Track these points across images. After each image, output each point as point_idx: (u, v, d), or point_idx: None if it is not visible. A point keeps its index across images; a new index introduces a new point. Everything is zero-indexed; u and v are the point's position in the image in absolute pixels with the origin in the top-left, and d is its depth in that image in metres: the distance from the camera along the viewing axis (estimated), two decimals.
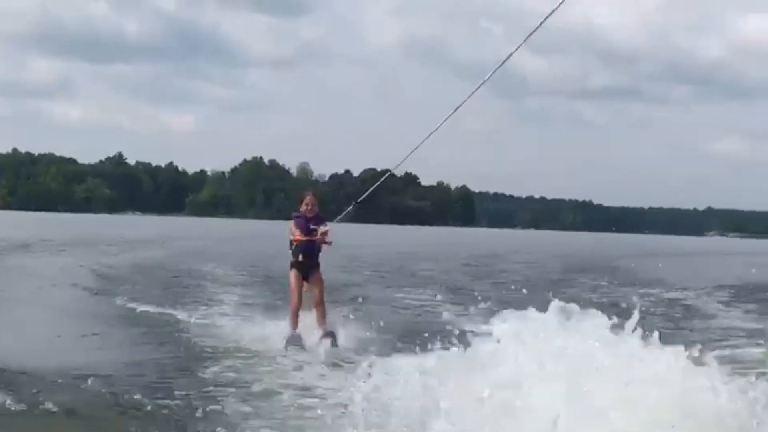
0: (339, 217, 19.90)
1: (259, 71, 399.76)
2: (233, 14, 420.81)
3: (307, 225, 19.09)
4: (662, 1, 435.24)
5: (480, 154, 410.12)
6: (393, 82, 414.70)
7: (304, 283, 19.21)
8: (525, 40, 12.02)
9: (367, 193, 19.92)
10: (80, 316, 23.36)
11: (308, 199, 19.25)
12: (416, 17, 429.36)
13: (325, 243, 19.14)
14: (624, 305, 10.29)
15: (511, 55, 12.35)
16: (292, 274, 19.24)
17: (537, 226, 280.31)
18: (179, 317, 22.85)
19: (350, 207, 20.17)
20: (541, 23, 11.57)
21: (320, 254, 19.42)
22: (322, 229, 18.93)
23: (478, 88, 13.24)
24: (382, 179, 20.82)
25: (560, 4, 11.34)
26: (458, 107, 13.64)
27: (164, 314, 23.54)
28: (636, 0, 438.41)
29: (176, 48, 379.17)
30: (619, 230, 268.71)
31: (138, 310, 24.31)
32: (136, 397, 12.96)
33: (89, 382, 13.77)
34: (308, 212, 19.15)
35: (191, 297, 28.29)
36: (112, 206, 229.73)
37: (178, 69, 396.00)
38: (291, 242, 19.30)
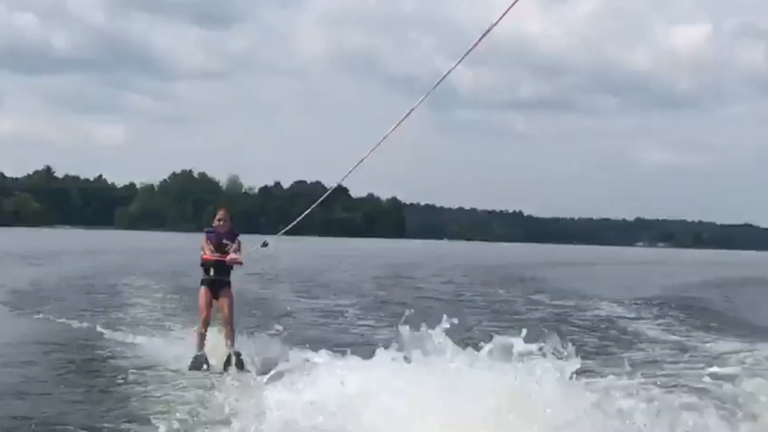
0: (254, 249, 19.05)
1: (189, 83, 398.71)
2: (163, 26, 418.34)
3: (220, 241, 18.74)
4: (590, 13, 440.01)
5: (411, 165, 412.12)
6: (322, 93, 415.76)
7: (214, 301, 18.75)
8: (465, 56, 11.94)
9: (292, 224, 19.08)
10: None
11: (220, 214, 18.92)
12: (345, 28, 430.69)
13: (236, 264, 18.77)
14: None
15: (450, 70, 12.38)
16: (202, 291, 18.78)
17: (467, 238, 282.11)
18: (89, 332, 23.08)
19: (262, 245, 19.31)
20: (481, 38, 11.49)
21: (231, 271, 19.00)
22: (231, 256, 18.53)
23: (419, 104, 13.21)
24: (324, 195, 21.15)
25: (500, 18, 11.22)
26: (400, 122, 13.57)
27: (74, 328, 23.86)
28: (564, 11, 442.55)
29: (105, 59, 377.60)
30: (549, 241, 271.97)
31: (50, 323, 24.81)
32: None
33: None
34: (220, 227, 18.81)
35: (106, 311, 28.36)
36: (41, 220, 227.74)
37: (107, 81, 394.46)
38: (201, 259, 18.96)
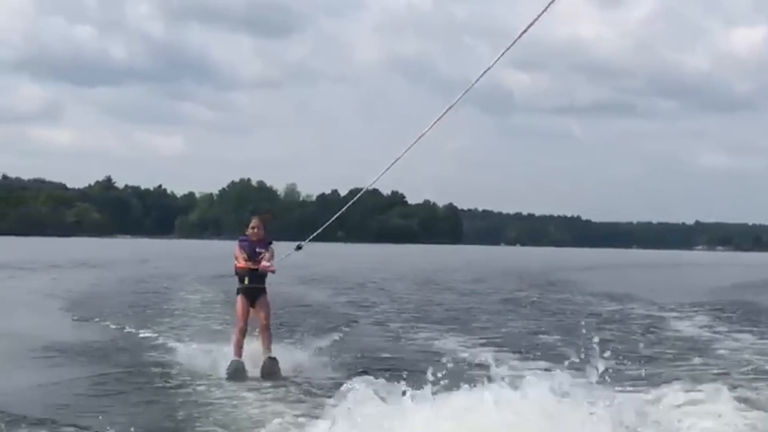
0: (281, 258, 19.05)
1: (246, 92, 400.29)
2: (220, 36, 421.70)
3: (253, 249, 18.87)
4: (647, 16, 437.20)
5: (469, 171, 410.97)
6: (378, 100, 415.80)
7: (251, 309, 18.92)
8: (503, 54, 11.71)
9: (321, 230, 18.68)
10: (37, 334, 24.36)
11: (254, 222, 19.09)
12: (400, 35, 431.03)
13: (269, 271, 18.87)
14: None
15: (489, 68, 12.04)
16: (239, 300, 18.94)
17: (523, 243, 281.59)
18: (134, 337, 23.87)
19: (291, 252, 19.29)
20: (520, 35, 11.34)
21: (266, 278, 19.11)
22: (263, 264, 18.66)
23: (453, 105, 13.00)
24: (341, 210, 19.32)
25: (539, 15, 11.10)
26: (434, 123, 13.42)
27: (119, 333, 24.71)
28: (620, 15, 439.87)
29: (163, 70, 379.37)
30: (606, 245, 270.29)
31: (97, 328, 25.72)
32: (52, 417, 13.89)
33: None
34: (254, 236, 18.93)
35: (154, 317, 29.02)
36: (102, 230, 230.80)
37: (166, 91, 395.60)
38: (235, 268, 19.13)
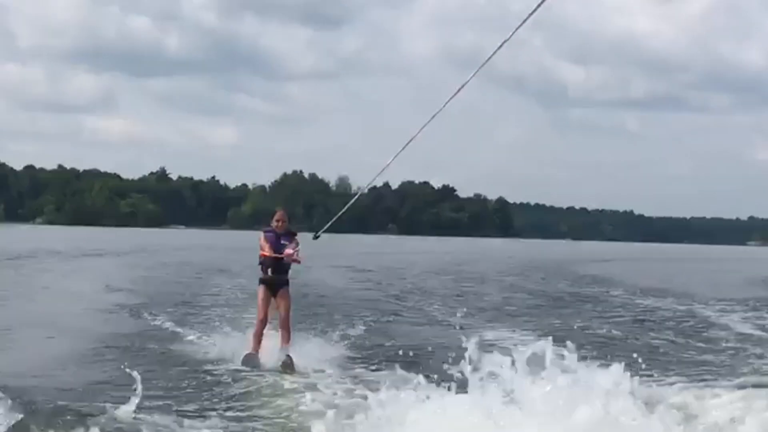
0: (297, 249, 18.87)
1: (300, 83, 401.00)
2: (273, 27, 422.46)
3: (278, 241, 18.94)
4: (703, 10, 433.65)
5: (522, 165, 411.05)
6: (431, 92, 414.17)
7: (272, 300, 19.01)
8: (524, 22, 11.47)
9: (334, 219, 18.95)
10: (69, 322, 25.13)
11: (279, 215, 19.11)
12: (454, 27, 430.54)
13: (294, 261, 19.00)
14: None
15: (505, 42, 11.82)
16: (260, 290, 19.07)
17: (575, 237, 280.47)
18: (161, 328, 24.09)
19: (314, 237, 19.63)
20: (540, 5, 11.02)
21: (289, 271, 19.26)
22: (287, 251, 18.71)
23: (465, 83, 12.74)
24: (354, 199, 21.19)
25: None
26: (445, 104, 13.15)
27: (151, 324, 24.95)
28: (676, 8, 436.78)
29: (217, 61, 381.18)
30: (660, 240, 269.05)
31: (132, 318, 26.29)
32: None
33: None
34: (279, 228, 19.01)
35: (186, 311, 28.85)
36: (156, 221, 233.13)
37: (219, 82, 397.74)
38: (260, 257, 19.19)
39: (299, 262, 19.02)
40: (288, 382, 16.69)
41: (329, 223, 19.24)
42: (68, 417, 12.93)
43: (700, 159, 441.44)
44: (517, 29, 11.46)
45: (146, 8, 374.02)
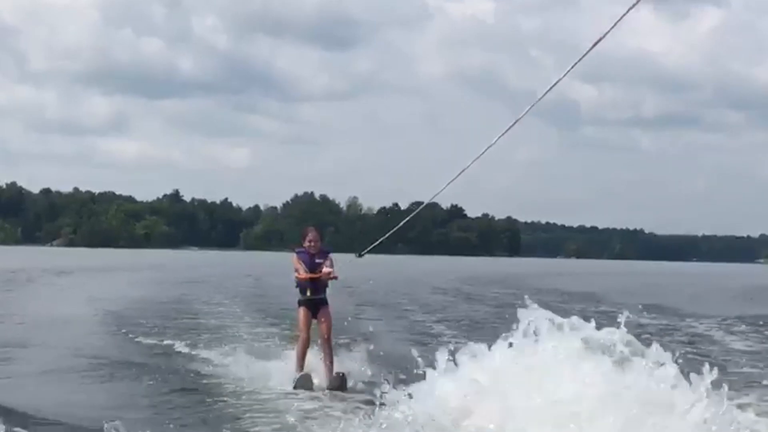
0: (336, 269, 18.83)
1: (312, 105, 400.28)
2: (285, 48, 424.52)
3: (312, 261, 18.71)
4: (714, 28, 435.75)
5: (533, 183, 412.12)
6: (443, 113, 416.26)
7: (313, 321, 18.73)
8: (572, 67, 11.38)
9: (379, 241, 18.31)
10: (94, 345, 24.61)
11: (311, 236, 18.81)
12: (465, 47, 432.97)
13: (331, 279, 18.75)
14: None
15: (556, 83, 11.67)
16: (301, 311, 18.74)
17: (583, 256, 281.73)
18: (199, 354, 23.13)
19: (358, 254, 19.44)
20: (590, 49, 11.00)
21: (327, 289, 18.98)
22: (325, 270, 18.52)
23: (519, 119, 12.54)
24: (403, 222, 19.03)
25: (610, 29, 10.73)
26: (499, 137, 12.86)
27: (179, 349, 24.14)
28: (688, 27, 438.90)
29: (230, 83, 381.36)
30: (668, 258, 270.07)
31: (158, 343, 25.51)
32: None
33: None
34: (312, 249, 18.78)
35: (211, 332, 28.50)
36: (171, 242, 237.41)
37: (232, 104, 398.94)
38: (296, 279, 18.90)
39: (336, 278, 18.76)
40: (344, 401, 16.73)
41: (374, 245, 18.66)
42: None
43: (711, 177, 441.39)
44: (573, 66, 11.32)
45: (158, 30, 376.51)
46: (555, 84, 11.61)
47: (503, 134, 12.65)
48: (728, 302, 53.36)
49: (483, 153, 13.03)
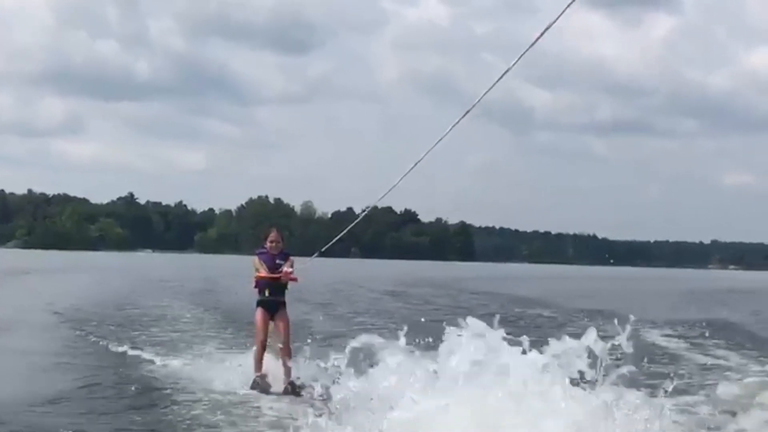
0: (303, 266, 19.05)
1: (268, 109, 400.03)
2: (241, 52, 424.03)
3: (273, 261, 18.64)
4: (668, 35, 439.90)
5: (488, 188, 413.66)
6: (398, 117, 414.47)
7: (270, 322, 18.59)
8: (514, 64, 11.45)
9: (334, 241, 18.64)
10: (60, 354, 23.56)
11: (273, 236, 18.74)
12: (420, 52, 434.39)
13: (291, 280, 18.67)
14: None
15: (498, 80, 11.72)
16: (258, 312, 18.59)
17: (536, 261, 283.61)
18: (145, 357, 22.75)
19: (312, 257, 19.71)
20: (532, 45, 11.06)
21: (286, 291, 18.89)
22: (286, 269, 18.48)
23: (458, 121, 12.54)
24: (354, 222, 20.86)
25: (547, 28, 10.78)
26: (440, 139, 12.92)
27: (130, 354, 23.59)
28: (642, 33, 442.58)
29: (185, 86, 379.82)
30: (621, 263, 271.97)
31: (107, 347, 24.89)
32: None
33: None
34: (273, 249, 18.72)
35: (159, 336, 28.24)
36: (125, 245, 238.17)
37: (188, 107, 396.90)
38: (256, 279, 18.76)
39: (296, 280, 18.77)
40: (295, 404, 16.57)
41: (329, 244, 18.90)
42: None
43: (665, 183, 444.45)
44: (513, 65, 11.48)
45: (114, 32, 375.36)
46: (498, 80, 11.77)
47: (449, 131, 12.78)
48: (669, 306, 54.17)
49: (432, 148, 13.16)
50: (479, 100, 12.24)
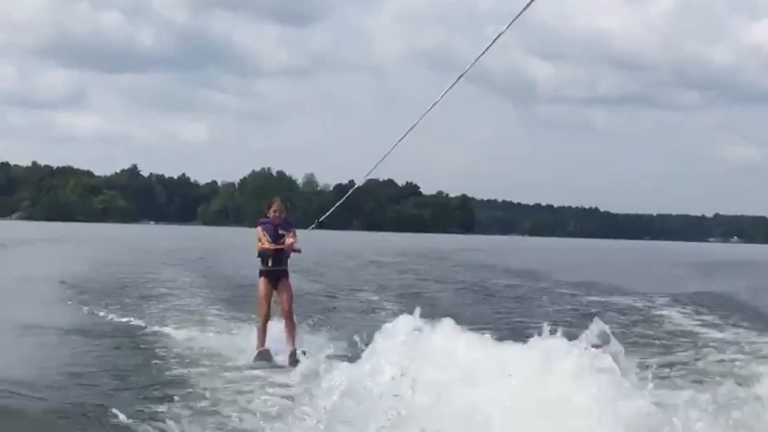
0: (302, 233, 19.22)
1: (270, 81, 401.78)
2: (245, 23, 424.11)
3: (276, 231, 18.58)
4: (671, 8, 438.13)
5: (490, 161, 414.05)
6: (399, 90, 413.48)
7: (273, 292, 18.62)
8: (505, 30, 11.38)
9: (330, 211, 19.33)
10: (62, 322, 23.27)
11: (276, 205, 18.64)
12: (423, 25, 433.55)
13: (294, 251, 18.65)
14: None
15: (489, 46, 11.67)
16: (261, 282, 18.63)
17: (538, 234, 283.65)
18: (149, 327, 22.69)
19: (312, 226, 20.13)
20: (522, 10, 10.95)
21: (288, 261, 18.89)
22: (288, 240, 18.43)
23: (451, 87, 12.49)
24: (349, 192, 20.83)
25: None
26: (428, 110, 12.90)
27: (133, 324, 23.49)
28: (645, 6, 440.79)
29: (188, 58, 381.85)
30: (623, 237, 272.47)
31: (109, 318, 24.80)
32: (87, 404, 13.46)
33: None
34: (276, 219, 18.61)
35: (164, 306, 28.10)
36: (128, 216, 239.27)
37: (191, 79, 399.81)
38: (258, 249, 18.71)
39: (299, 251, 18.79)
40: (298, 375, 16.30)
41: (326, 215, 19.49)
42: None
43: (667, 156, 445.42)
44: (501, 34, 11.43)
45: (116, 4, 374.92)
46: (490, 45, 11.72)
47: (441, 97, 12.69)
48: (672, 279, 52.77)
49: (425, 115, 13.05)
50: (471, 66, 12.20)
